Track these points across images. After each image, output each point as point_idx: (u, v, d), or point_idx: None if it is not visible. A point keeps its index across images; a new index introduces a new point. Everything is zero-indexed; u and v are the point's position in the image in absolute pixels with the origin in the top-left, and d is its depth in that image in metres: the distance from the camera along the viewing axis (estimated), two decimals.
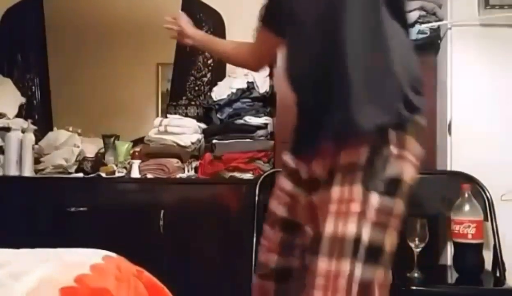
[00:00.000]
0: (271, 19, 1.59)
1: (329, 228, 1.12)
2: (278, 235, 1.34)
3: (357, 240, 1.11)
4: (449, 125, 2.45)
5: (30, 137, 2.60)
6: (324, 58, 1.22)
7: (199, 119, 2.82)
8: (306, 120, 1.31)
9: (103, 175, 2.57)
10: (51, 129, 2.90)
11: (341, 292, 1.07)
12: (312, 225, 1.22)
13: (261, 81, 2.67)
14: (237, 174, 2.50)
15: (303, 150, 1.30)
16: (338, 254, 1.10)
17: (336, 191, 1.14)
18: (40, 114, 3.13)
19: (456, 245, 2.13)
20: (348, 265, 1.09)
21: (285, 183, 1.35)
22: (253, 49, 1.76)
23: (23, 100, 2.96)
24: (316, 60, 1.25)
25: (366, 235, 1.11)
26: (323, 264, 1.10)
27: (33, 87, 3.17)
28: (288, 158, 1.36)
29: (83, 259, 1.23)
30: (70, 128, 2.82)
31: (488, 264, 2.21)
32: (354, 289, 1.08)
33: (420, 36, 2.53)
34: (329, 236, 1.11)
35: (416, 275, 2.08)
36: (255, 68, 1.90)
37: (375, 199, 1.13)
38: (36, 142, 2.67)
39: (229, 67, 3.04)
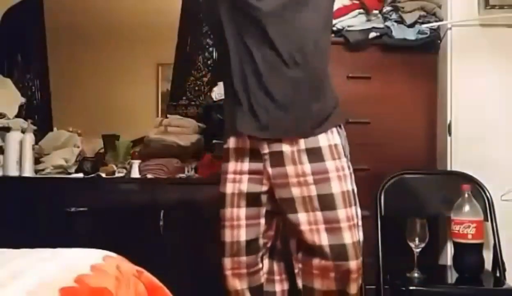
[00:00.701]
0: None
1: (336, 188, 1.58)
2: (243, 210, 1.64)
3: (353, 191, 1.63)
4: (449, 125, 2.45)
5: (30, 137, 2.60)
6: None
7: (199, 119, 2.82)
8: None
9: (103, 175, 2.57)
10: (51, 129, 2.89)
11: (357, 227, 1.59)
12: (280, 190, 1.60)
13: None
14: None
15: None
16: (349, 203, 1.59)
17: (331, 163, 1.59)
18: (40, 114, 3.12)
19: (456, 245, 2.13)
20: (355, 209, 1.61)
21: (240, 165, 1.66)
22: None
23: (23, 100, 2.96)
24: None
25: (354, 187, 1.64)
26: (342, 212, 1.57)
27: (33, 87, 3.17)
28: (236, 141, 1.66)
29: (83, 259, 1.23)
30: (70, 128, 2.81)
31: (488, 264, 2.21)
32: (359, 222, 1.61)
33: (420, 36, 2.53)
34: (339, 192, 1.58)
35: (416, 275, 2.08)
36: None
37: (349, 163, 1.65)
38: (36, 143, 2.66)
39: None
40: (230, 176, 1.69)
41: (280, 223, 1.72)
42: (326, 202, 1.57)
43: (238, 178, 1.67)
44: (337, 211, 1.57)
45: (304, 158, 1.59)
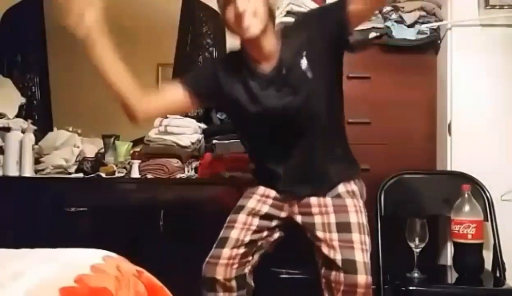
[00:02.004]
0: (199, 89, 1.81)
1: (353, 218, 1.75)
2: (256, 220, 1.81)
3: (367, 226, 1.79)
4: (449, 125, 2.45)
5: (30, 137, 2.60)
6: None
7: (199, 119, 2.82)
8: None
9: (103, 175, 2.57)
10: (51, 129, 2.89)
11: (368, 253, 1.72)
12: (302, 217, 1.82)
13: None
14: (237, 174, 2.50)
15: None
16: (363, 231, 1.75)
17: (349, 201, 1.79)
18: (40, 114, 3.12)
19: (456, 245, 2.13)
20: (368, 238, 1.76)
21: (268, 191, 1.85)
22: (152, 96, 1.84)
23: (23, 100, 2.96)
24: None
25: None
26: (356, 236, 1.72)
27: (33, 87, 3.16)
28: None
29: (83, 259, 1.23)
30: (70, 128, 2.81)
31: (488, 264, 2.21)
32: (369, 250, 1.74)
33: (420, 36, 2.54)
34: (355, 222, 1.74)
35: (416, 275, 2.08)
36: (138, 119, 1.79)
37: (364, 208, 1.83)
38: (36, 143, 2.66)
39: None
40: (256, 196, 1.87)
41: (281, 236, 1.89)
42: (343, 227, 1.74)
43: (263, 199, 1.86)
44: (351, 234, 1.72)
45: (327, 199, 1.81)
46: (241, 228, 1.81)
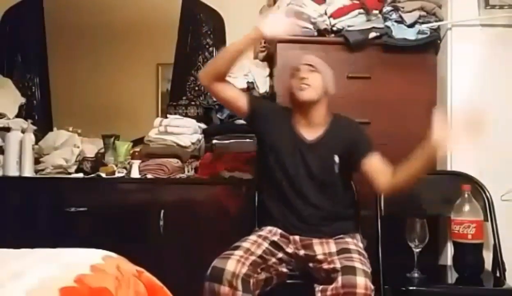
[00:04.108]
0: (256, 110, 2.12)
1: (352, 246, 1.93)
2: (265, 244, 1.95)
3: (364, 254, 1.94)
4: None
5: (30, 137, 2.60)
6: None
7: (199, 119, 2.82)
8: None
9: (103, 175, 2.56)
10: (51, 129, 2.89)
11: (368, 267, 1.83)
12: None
13: (261, 81, 2.67)
14: (237, 174, 2.50)
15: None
16: (362, 255, 1.90)
17: (350, 240, 2.00)
18: (40, 114, 3.12)
19: (456, 245, 2.13)
20: (366, 260, 1.88)
21: (275, 229, 2.04)
22: (227, 83, 2.13)
23: (23, 100, 2.96)
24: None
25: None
26: (356, 255, 1.86)
27: (33, 87, 3.16)
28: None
29: (83, 259, 1.23)
30: (70, 129, 2.81)
31: (488, 264, 2.21)
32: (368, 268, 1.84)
33: (420, 36, 2.53)
34: (355, 249, 1.92)
35: (416, 275, 2.08)
36: (206, 82, 2.08)
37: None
38: (36, 143, 2.66)
39: None
40: (265, 231, 2.04)
41: (287, 274, 2.01)
42: (343, 251, 1.90)
43: (272, 233, 2.03)
44: (351, 254, 1.87)
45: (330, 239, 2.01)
46: (251, 243, 1.94)
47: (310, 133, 2.08)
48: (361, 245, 2.01)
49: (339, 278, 1.74)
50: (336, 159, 2.05)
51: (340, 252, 1.89)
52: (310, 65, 2.08)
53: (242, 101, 2.11)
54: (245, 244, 1.92)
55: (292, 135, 2.08)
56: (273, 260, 1.94)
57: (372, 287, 1.74)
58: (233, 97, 2.12)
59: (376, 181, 2.00)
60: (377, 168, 2.01)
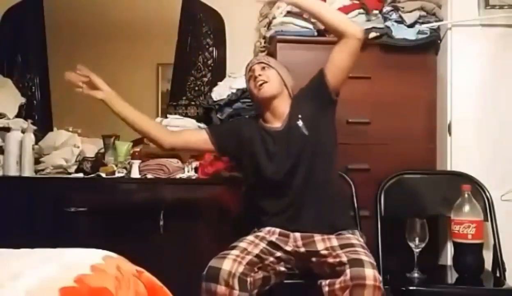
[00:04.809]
0: (221, 139, 2.18)
1: (355, 241, 1.93)
2: (262, 244, 1.95)
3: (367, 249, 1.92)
4: (449, 125, 2.45)
5: (30, 137, 2.59)
6: None
7: (199, 119, 2.82)
8: None
9: (103, 175, 2.56)
10: (51, 129, 2.89)
11: (373, 260, 1.81)
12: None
13: None
14: (237, 174, 2.50)
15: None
16: (366, 249, 1.89)
17: (350, 236, 1.99)
18: (40, 114, 3.12)
19: (456, 245, 2.13)
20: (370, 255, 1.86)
21: (273, 229, 2.03)
22: (176, 134, 2.21)
23: (23, 100, 2.96)
24: None
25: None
26: (360, 249, 1.85)
27: (33, 87, 3.16)
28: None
29: (83, 259, 1.23)
30: (70, 129, 2.81)
31: (488, 264, 2.21)
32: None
33: (420, 36, 2.53)
34: (358, 243, 1.91)
35: (416, 275, 2.08)
36: (165, 146, 2.18)
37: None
38: (36, 143, 2.66)
39: (229, 67, 3.04)
40: (264, 231, 2.03)
41: (285, 273, 2.00)
42: (346, 245, 1.89)
43: (270, 233, 2.02)
44: (355, 248, 1.86)
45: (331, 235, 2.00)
46: (248, 243, 1.95)
47: (279, 123, 2.13)
48: (361, 240, 2.01)
49: (347, 271, 1.72)
50: (299, 122, 2.08)
51: (344, 246, 1.88)
52: (262, 62, 2.15)
53: (204, 140, 2.18)
54: (242, 244, 1.93)
55: (263, 134, 2.13)
56: (271, 259, 1.95)
57: (381, 278, 1.73)
58: (198, 140, 2.19)
59: (339, 44, 2.04)
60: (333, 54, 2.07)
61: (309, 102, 2.11)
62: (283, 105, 2.13)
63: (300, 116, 2.09)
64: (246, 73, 2.21)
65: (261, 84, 2.10)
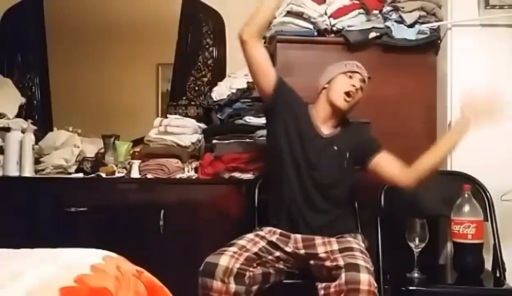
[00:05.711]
0: (283, 88, 2.13)
1: (355, 245, 1.95)
2: (262, 243, 1.96)
3: (366, 254, 1.94)
4: (449, 125, 2.45)
5: (30, 137, 2.60)
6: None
7: (199, 119, 2.82)
8: None
9: (103, 175, 2.56)
10: (51, 129, 2.89)
11: (370, 265, 1.83)
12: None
13: None
14: (237, 174, 2.50)
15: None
16: (365, 254, 1.91)
17: (351, 240, 2.00)
18: (40, 114, 3.12)
19: (456, 245, 2.13)
20: (369, 259, 1.88)
21: (274, 229, 2.04)
22: (261, 43, 2.14)
23: (23, 100, 2.96)
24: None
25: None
26: (358, 253, 1.86)
27: (33, 87, 3.16)
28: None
29: (83, 259, 1.23)
30: (70, 129, 2.81)
31: (488, 264, 2.21)
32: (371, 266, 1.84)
33: (420, 36, 2.53)
34: (357, 248, 1.93)
35: (416, 275, 2.08)
36: (245, 34, 2.08)
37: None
38: (36, 143, 2.66)
39: (229, 67, 3.04)
40: (265, 230, 2.04)
41: (285, 272, 2.01)
42: (345, 249, 1.91)
43: (271, 232, 2.03)
44: (354, 252, 1.88)
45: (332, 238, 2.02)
46: (248, 241, 1.95)
47: (325, 129, 2.13)
48: (362, 244, 2.02)
49: (343, 275, 1.74)
50: (347, 154, 2.09)
51: (343, 250, 1.90)
52: (364, 80, 2.15)
53: (270, 77, 2.10)
54: (241, 242, 1.93)
55: (309, 126, 2.11)
56: (270, 257, 1.95)
57: (376, 284, 1.74)
58: (265, 65, 2.09)
59: (391, 176, 2.06)
60: (388, 163, 2.07)
61: (353, 145, 2.12)
62: (336, 117, 2.15)
63: (347, 153, 2.10)
64: (344, 65, 2.14)
65: (350, 97, 2.09)
